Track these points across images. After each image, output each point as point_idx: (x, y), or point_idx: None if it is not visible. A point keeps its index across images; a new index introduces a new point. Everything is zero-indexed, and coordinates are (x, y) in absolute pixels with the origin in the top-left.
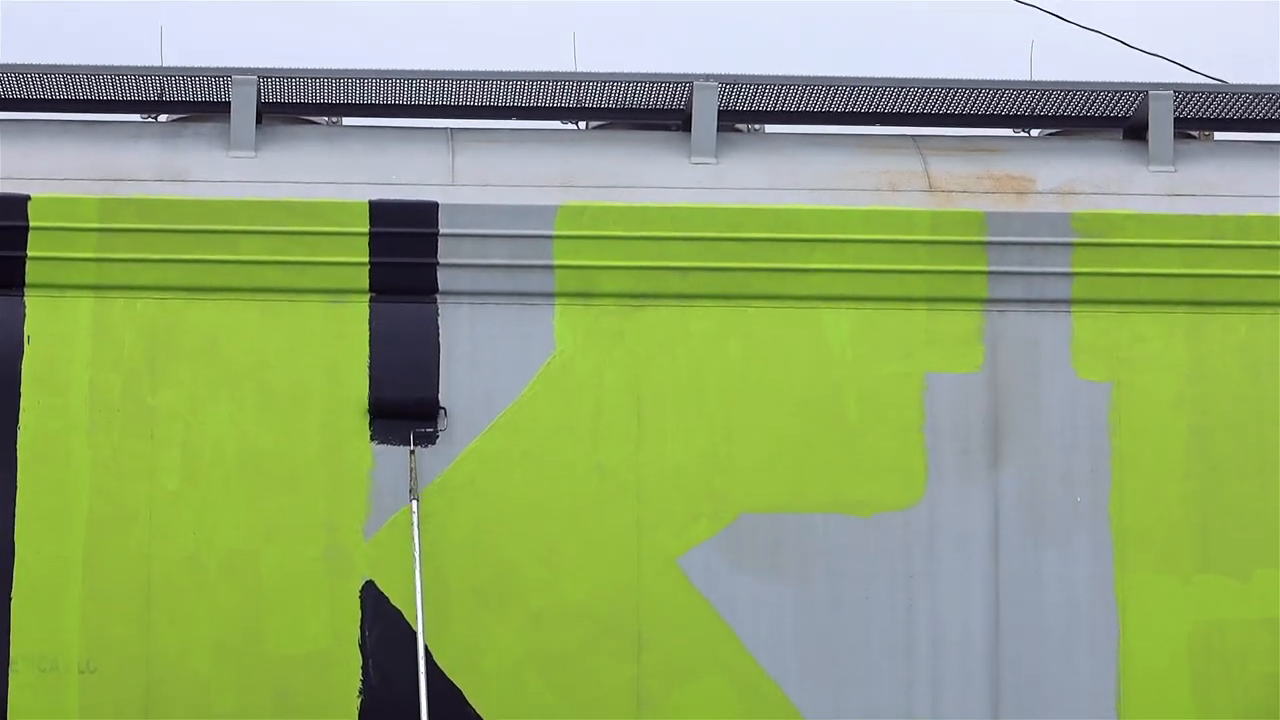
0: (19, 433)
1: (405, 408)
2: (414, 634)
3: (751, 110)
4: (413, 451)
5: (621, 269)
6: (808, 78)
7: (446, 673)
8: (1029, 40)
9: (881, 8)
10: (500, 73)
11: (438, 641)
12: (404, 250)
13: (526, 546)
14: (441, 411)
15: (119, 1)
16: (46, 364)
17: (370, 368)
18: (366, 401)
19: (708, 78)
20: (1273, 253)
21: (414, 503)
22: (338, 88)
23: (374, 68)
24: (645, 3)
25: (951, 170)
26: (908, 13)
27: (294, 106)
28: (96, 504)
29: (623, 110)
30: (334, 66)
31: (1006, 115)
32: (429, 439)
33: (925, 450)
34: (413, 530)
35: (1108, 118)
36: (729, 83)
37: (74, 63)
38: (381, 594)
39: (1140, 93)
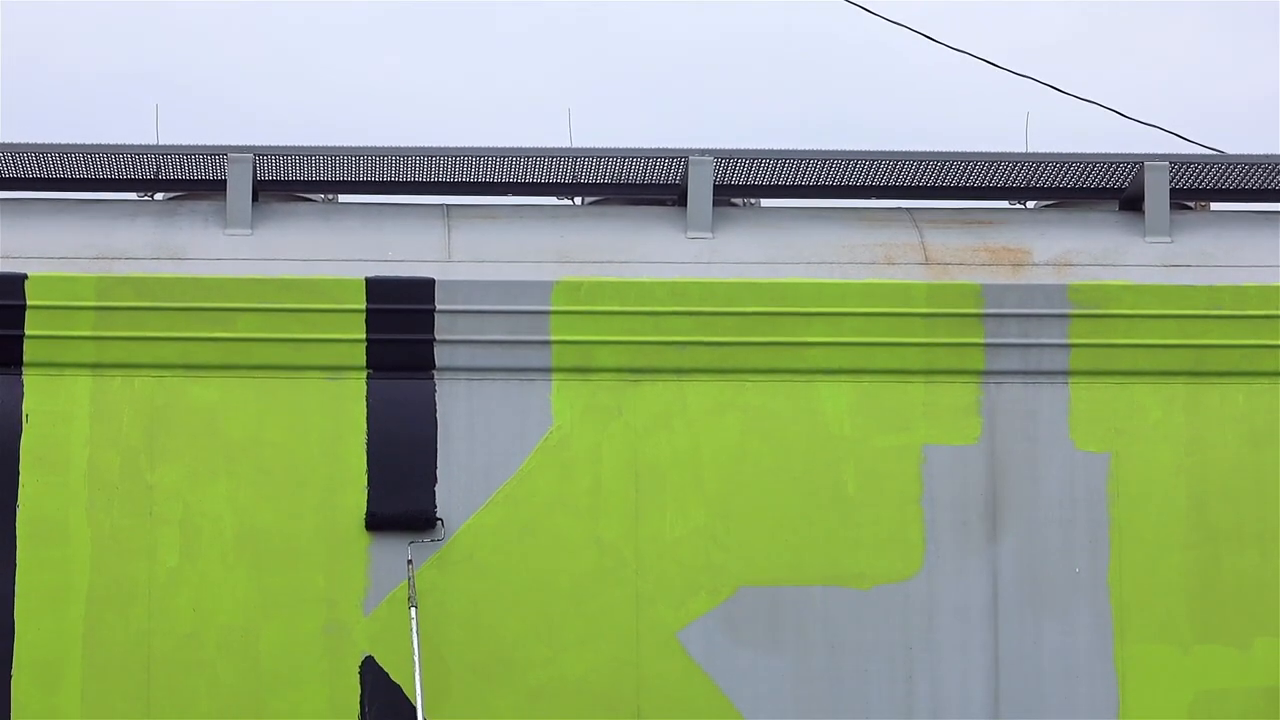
0: (18, 511)
1: (403, 520)
2: (414, 709)
3: (747, 184)
4: (410, 561)
5: (619, 344)
6: (803, 151)
7: None
8: (1025, 111)
9: (876, 80)
10: (496, 149)
11: (438, 717)
12: (401, 327)
13: (525, 621)
14: (439, 522)
15: (115, 78)
16: (45, 442)
17: (368, 445)
18: (365, 480)
19: (703, 152)
20: (1270, 322)
21: (413, 610)
22: (333, 165)
23: (369, 145)
24: (640, 74)
25: (947, 242)
26: (903, 86)
27: (290, 184)
28: (96, 581)
29: (618, 185)
30: (330, 144)
31: (1002, 187)
32: (426, 549)
33: (923, 522)
34: (412, 638)
35: (1104, 189)
36: (724, 157)
37: (70, 141)
38: (381, 669)
39: (1136, 164)
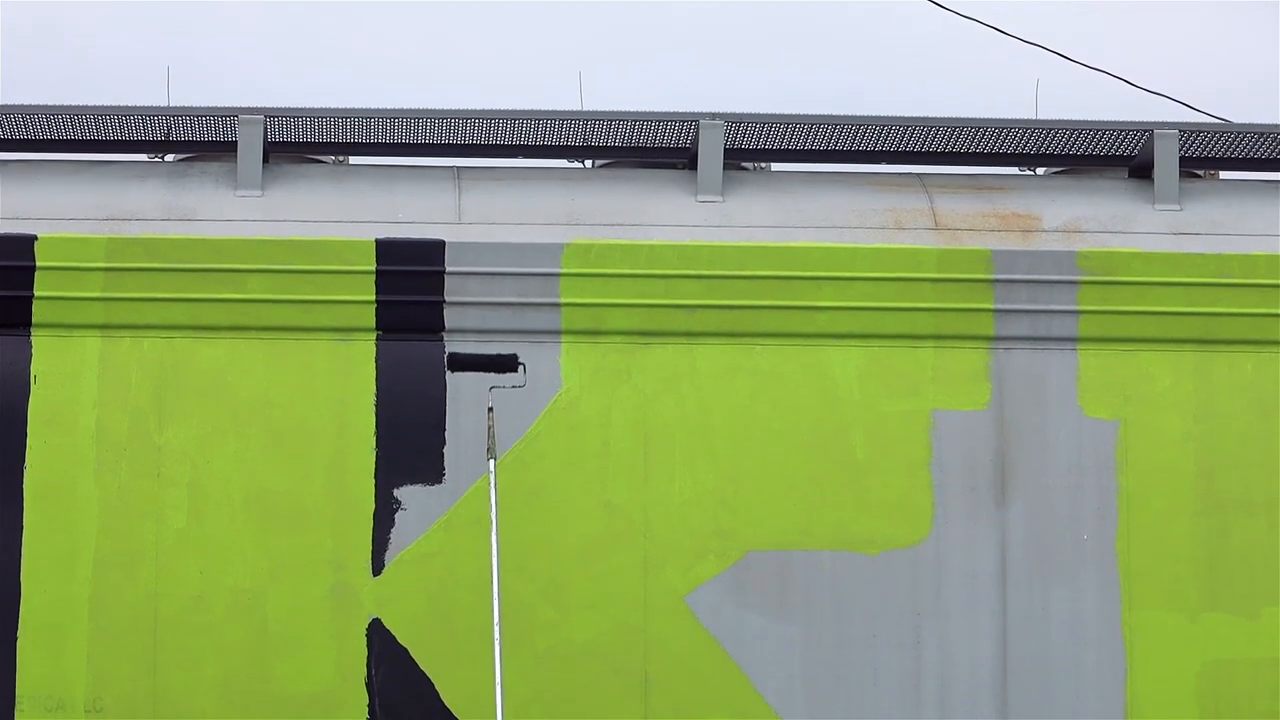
0: (26, 472)
1: (481, 362)
2: (421, 673)
3: (757, 148)
4: (490, 409)
5: (628, 307)
6: (813, 116)
7: (454, 711)
8: (1035, 79)
9: (887, 46)
10: (506, 111)
11: (445, 681)
12: (411, 288)
13: (534, 585)
14: (521, 366)
15: (127, 48)
16: (53, 403)
17: (377, 406)
18: (374, 442)
19: (714, 116)
20: (1278, 291)
21: (491, 463)
22: (344, 127)
23: (380, 107)
24: (651, 43)
25: (957, 208)
26: (913, 51)
27: (300, 145)
28: (103, 543)
29: (629, 149)
30: (340, 105)
31: (1012, 154)
32: (507, 395)
33: (932, 488)
34: (490, 493)
35: (1113, 156)
36: (735, 121)
37: (81, 103)
38: (388, 632)
39: (1145, 132)
